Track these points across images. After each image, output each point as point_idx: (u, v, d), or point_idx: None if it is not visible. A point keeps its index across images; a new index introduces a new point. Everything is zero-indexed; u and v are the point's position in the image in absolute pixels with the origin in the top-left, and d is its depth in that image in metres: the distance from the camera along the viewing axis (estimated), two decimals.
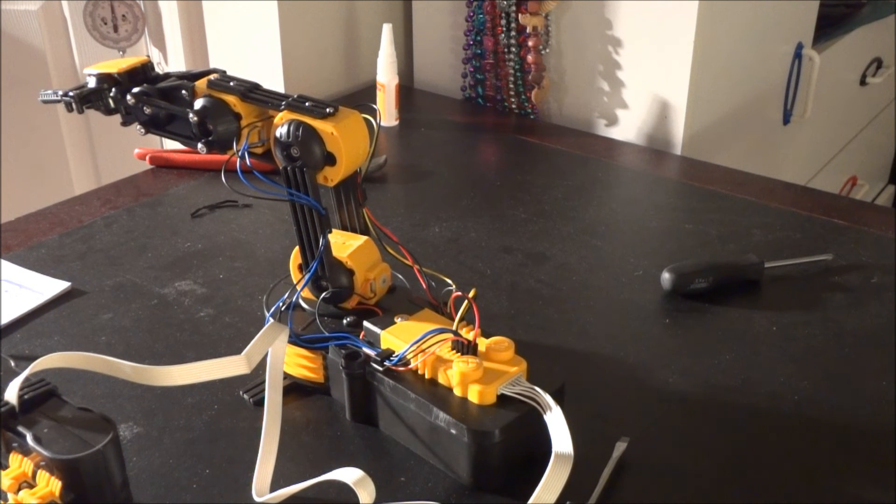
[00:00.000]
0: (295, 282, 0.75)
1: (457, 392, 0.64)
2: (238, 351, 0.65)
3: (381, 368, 0.67)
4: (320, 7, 1.32)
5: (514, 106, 1.34)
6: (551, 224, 1.01)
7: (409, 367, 0.66)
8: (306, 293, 0.74)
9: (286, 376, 0.72)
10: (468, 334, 0.67)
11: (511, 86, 1.32)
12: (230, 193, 1.03)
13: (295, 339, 0.71)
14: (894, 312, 0.84)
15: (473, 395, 0.64)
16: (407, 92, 1.43)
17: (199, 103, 0.70)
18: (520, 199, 1.07)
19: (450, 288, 0.72)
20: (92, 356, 0.63)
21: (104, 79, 0.72)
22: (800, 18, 1.45)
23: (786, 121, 1.51)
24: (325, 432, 0.70)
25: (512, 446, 0.63)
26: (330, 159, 0.68)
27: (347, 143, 0.67)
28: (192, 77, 0.72)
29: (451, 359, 0.65)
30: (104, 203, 1.06)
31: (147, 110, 0.72)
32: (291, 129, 0.67)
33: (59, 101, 0.73)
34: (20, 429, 0.56)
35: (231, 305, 0.86)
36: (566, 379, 0.67)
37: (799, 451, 0.68)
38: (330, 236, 0.71)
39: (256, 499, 0.63)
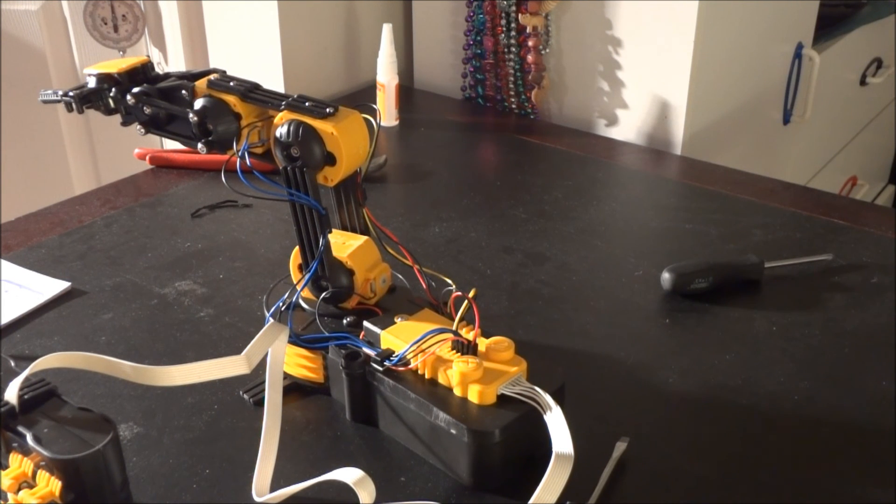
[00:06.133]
0: (295, 282, 0.75)
1: (457, 392, 0.64)
2: (238, 351, 0.65)
3: (381, 368, 0.67)
4: (320, 7, 1.32)
5: (514, 106, 1.34)
6: (551, 224, 1.01)
7: (409, 367, 0.66)
8: (306, 293, 0.74)
9: (286, 376, 0.72)
10: (468, 334, 0.67)
11: (511, 86, 1.32)
12: (230, 193, 1.03)
13: (295, 339, 0.71)
14: (894, 312, 0.84)
15: (473, 395, 0.64)
16: (407, 92, 1.43)
17: (199, 103, 0.70)
18: (520, 199, 1.07)
19: (450, 288, 0.72)
20: (92, 356, 0.63)
21: (104, 79, 0.72)
22: (800, 18, 1.45)
23: (786, 121, 1.51)
24: (325, 432, 0.70)
25: (512, 446, 0.63)
26: (330, 159, 0.68)
27: (347, 143, 0.67)
28: (192, 77, 0.72)
29: (451, 359, 0.65)
30: (104, 203, 1.06)
31: (147, 110, 0.72)
32: (291, 129, 0.67)
33: (59, 101, 0.73)
34: (20, 429, 0.56)
35: (231, 305, 0.86)
36: (566, 379, 0.67)
37: (799, 451, 0.68)
38: (330, 236, 0.71)
39: (256, 499, 0.63)
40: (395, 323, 0.70)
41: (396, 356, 0.66)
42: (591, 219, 1.02)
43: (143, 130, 0.73)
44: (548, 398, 0.62)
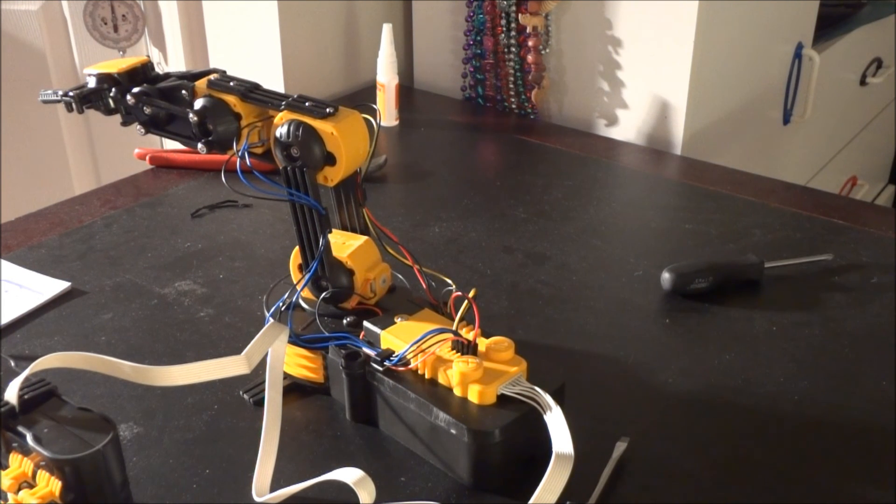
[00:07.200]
0: (295, 282, 0.75)
1: (457, 392, 0.64)
2: (238, 351, 0.64)
3: (381, 368, 0.67)
4: (320, 7, 1.32)
5: (514, 106, 1.34)
6: (551, 224, 1.01)
7: (409, 367, 0.66)
8: (306, 293, 0.74)
9: (286, 376, 0.72)
10: (468, 334, 0.67)
11: (511, 86, 1.32)
12: (230, 193, 1.03)
13: (295, 339, 0.71)
14: (894, 312, 0.84)
15: (473, 395, 0.64)
16: (407, 92, 1.43)
17: (199, 103, 0.70)
18: (520, 199, 1.07)
19: (450, 288, 0.72)
20: (92, 356, 0.63)
21: (104, 79, 0.72)
22: (800, 18, 1.45)
23: (786, 121, 1.51)
24: (325, 432, 0.70)
25: (512, 446, 0.63)
26: (330, 159, 0.68)
27: (347, 143, 0.67)
28: (192, 77, 0.72)
29: (451, 359, 0.65)
30: (104, 203, 1.06)
31: (147, 110, 0.72)
32: (291, 129, 0.67)
33: (59, 101, 0.73)
34: (20, 429, 0.56)
35: (231, 305, 0.86)
36: (566, 379, 0.67)
37: (799, 451, 0.68)
38: (330, 236, 0.71)
39: (256, 499, 0.63)
40: (395, 323, 0.70)
41: (396, 356, 0.66)
42: (591, 219, 1.02)
43: (143, 130, 0.73)
44: (548, 398, 0.62)
